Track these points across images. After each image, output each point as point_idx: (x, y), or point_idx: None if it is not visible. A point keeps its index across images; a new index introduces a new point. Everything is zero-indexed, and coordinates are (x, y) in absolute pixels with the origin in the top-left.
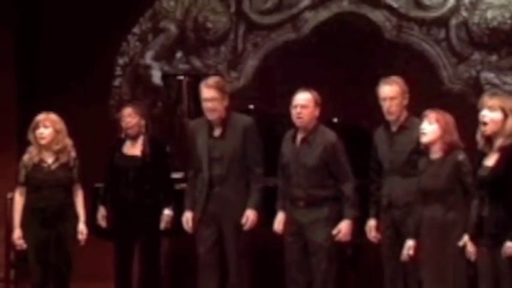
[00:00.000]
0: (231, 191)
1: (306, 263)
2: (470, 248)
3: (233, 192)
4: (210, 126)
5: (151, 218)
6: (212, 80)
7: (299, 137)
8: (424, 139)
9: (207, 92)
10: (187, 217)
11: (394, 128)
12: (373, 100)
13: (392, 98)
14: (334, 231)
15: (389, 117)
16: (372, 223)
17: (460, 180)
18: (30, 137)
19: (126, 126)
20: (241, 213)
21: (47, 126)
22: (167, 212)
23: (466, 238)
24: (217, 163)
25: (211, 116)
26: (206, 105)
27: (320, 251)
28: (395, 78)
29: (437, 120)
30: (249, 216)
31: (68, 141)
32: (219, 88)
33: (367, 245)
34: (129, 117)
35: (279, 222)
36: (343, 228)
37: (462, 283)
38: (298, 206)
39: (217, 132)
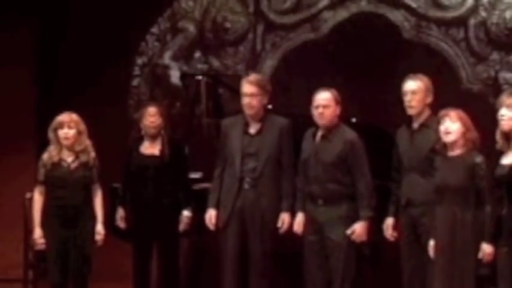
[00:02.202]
0: (263, 189)
1: (325, 261)
2: (488, 250)
3: (264, 190)
4: (246, 123)
5: (170, 218)
6: (254, 76)
7: (319, 134)
8: (450, 138)
9: (248, 87)
10: (211, 214)
11: (415, 126)
12: (392, 100)
13: (414, 92)
14: (348, 232)
15: (410, 111)
16: (389, 221)
17: (474, 183)
18: (51, 136)
19: (150, 125)
20: (270, 213)
21: (72, 127)
22: (186, 213)
23: (484, 246)
24: (251, 159)
25: (248, 111)
26: (245, 100)
27: (338, 249)
28: (421, 75)
29: (460, 118)
30: (285, 219)
31: (88, 142)
32: (260, 85)
33: (385, 244)
34: (153, 117)
35: (298, 223)
36: (358, 228)
37: (471, 282)
38: (317, 204)
39: (253, 129)
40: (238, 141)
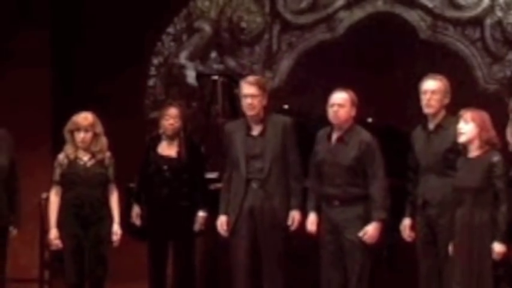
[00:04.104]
0: (273, 189)
1: (341, 261)
2: (500, 249)
3: (275, 191)
4: (248, 126)
5: (186, 219)
6: (253, 77)
7: (334, 135)
8: (462, 139)
9: (248, 88)
10: (222, 221)
11: (431, 127)
12: (408, 99)
13: (433, 92)
14: (361, 233)
15: (427, 110)
16: (406, 222)
17: (491, 183)
18: (67, 136)
19: (169, 127)
20: (279, 213)
21: (88, 131)
22: (201, 213)
23: (496, 246)
24: (256, 160)
25: (250, 112)
26: (246, 101)
27: (355, 250)
28: (440, 75)
29: (473, 119)
30: (295, 217)
31: (104, 141)
32: (260, 85)
33: (402, 245)
34: (174, 119)
35: (311, 223)
36: (370, 230)
37: (489, 282)
38: (333, 205)
39: (255, 131)
40: (241, 144)
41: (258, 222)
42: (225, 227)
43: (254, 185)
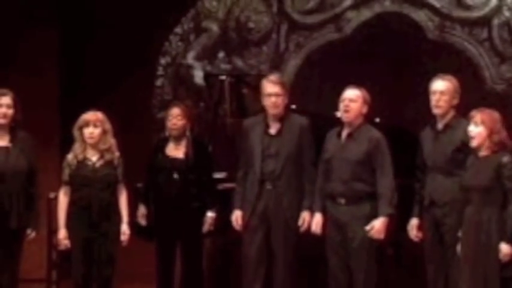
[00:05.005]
0: (283, 189)
1: (347, 261)
2: (506, 250)
3: (286, 191)
4: (267, 124)
5: (194, 219)
6: (275, 76)
7: (344, 133)
8: (473, 143)
9: (272, 87)
10: (237, 215)
11: (440, 127)
12: (415, 100)
13: (442, 93)
14: (368, 228)
15: (436, 111)
16: (414, 222)
17: (500, 183)
18: (76, 134)
19: (172, 127)
20: (292, 213)
21: (97, 126)
22: (210, 214)
23: (503, 246)
24: (271, 160)
25: (273, 111)
26: (270, 100)
27: (361, 250)
28: (449, 76)
29: (483, 121)
30: (306, 218)
31: (113, 141)
32: (282, 84)
33: (409, 244)
34: (176, 118)
35: (317, 223)
36: (377, 225)
37: (496, 283)
38: (339, 203)
39: (273, 129)
40: (258, 142)
41: (271, 223)
42: (240, 222)
43: (268, 185)
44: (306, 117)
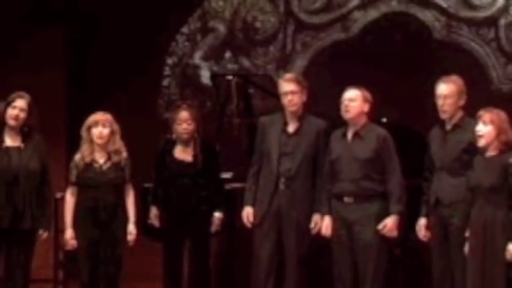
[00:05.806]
0: (298, 189)
1: (355, 261)
2: None
3: (300, 190)
4: (285, 122)
5: (201, 219)
6: (290, 74)
7: (350, 132)
8: (481, 142)
9: (286, 85)
10: (248, 212)
11: (448, 127)
12: (422, 100)
13: (446, 97)
14: (380, 226)
15: (442, 116)
16: (422, 222)
17: (507, 183)
18: (84, 134)
19: (183, 131)
20: (305, 213)
21: (106, 126)
22: (217, 214)
23: (510, 246)
24: (287, 158)
25: (291, 109)
26: (286, 98)
27: (369, 249)
28: (454, 77)
29: (492, 121)
30: (318, 221)
31: (121, 142)
32: (298, 82)
33: (416, 244)
34: (186, 123)
35: (327, 226)
36: (389, 223)
37: (502, 284)
38: (347, 202)
39: (291, 128)
40: (276, 140)
41: (284, 223)
42: (251, 219)
43: (282, 184)
44: (325, 121)
